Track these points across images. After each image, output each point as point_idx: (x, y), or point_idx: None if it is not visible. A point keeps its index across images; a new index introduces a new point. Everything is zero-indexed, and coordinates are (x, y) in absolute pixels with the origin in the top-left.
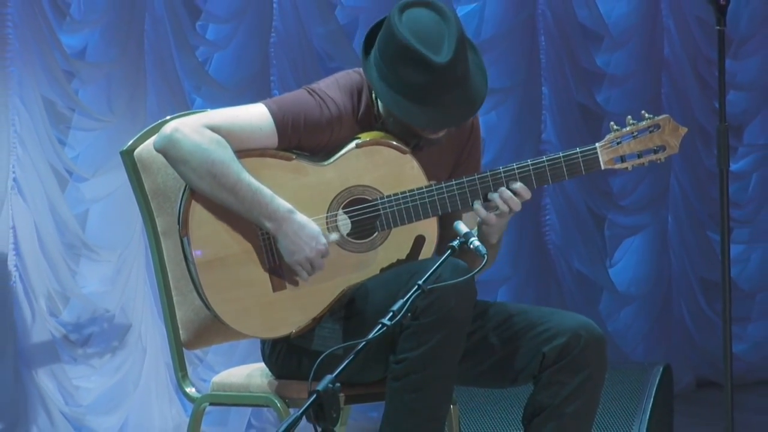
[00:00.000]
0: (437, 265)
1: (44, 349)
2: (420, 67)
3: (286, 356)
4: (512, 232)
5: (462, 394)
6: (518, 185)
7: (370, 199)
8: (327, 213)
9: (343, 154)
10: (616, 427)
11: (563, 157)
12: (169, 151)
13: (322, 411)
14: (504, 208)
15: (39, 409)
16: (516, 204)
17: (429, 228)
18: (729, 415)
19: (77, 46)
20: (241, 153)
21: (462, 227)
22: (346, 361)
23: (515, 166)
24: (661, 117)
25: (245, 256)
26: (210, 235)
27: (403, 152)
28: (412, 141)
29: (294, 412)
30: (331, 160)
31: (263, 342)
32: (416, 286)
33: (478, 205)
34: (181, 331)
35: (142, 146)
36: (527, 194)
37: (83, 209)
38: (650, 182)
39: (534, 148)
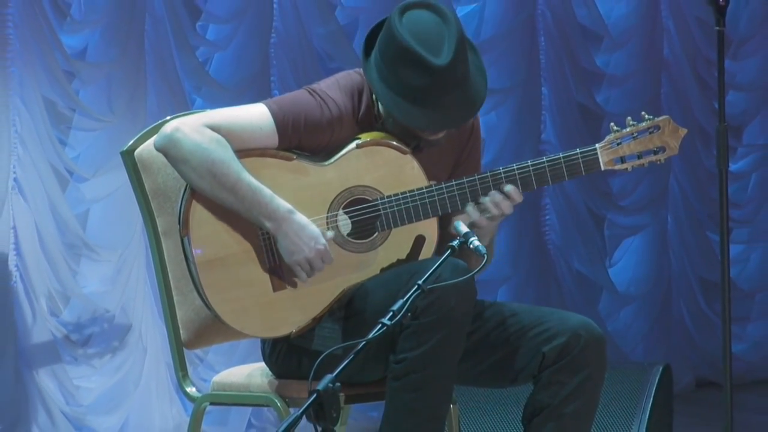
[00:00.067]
0: (437, 265)
1: (45, 349)
2: (420, 69)
3: (286, 356)
4: (512, 232)
5: (462, 393)
6: (509, 188)
7: (371, 199)
8: (327, 213)
9: (344, 155)
10: (616, 427)
11: (563, 158)
12: (169, 151)
13: (322, 410)
14: (495, 211)
15: (39, 408)
16: (507, 207)
17: (429, 228)
18: (728, 415)
19: (78, 46)
20: (242, 153)
21: (462, 227)
22: (346, 361)
23: (515, 167)
24: (661, 118)
25: (245, 255)
26: (210, 234)
27: (404, 153)
28: (412, 142)
29: (294, 412)
30: (332, 160)
31: (263, 342)
32: (416, 286)
33: (469, 207)
34: (181, 331)
35: (142, 146)
36: (518, 197)
37: (84, 209)
38: (650, 182)
39: (534, 149)
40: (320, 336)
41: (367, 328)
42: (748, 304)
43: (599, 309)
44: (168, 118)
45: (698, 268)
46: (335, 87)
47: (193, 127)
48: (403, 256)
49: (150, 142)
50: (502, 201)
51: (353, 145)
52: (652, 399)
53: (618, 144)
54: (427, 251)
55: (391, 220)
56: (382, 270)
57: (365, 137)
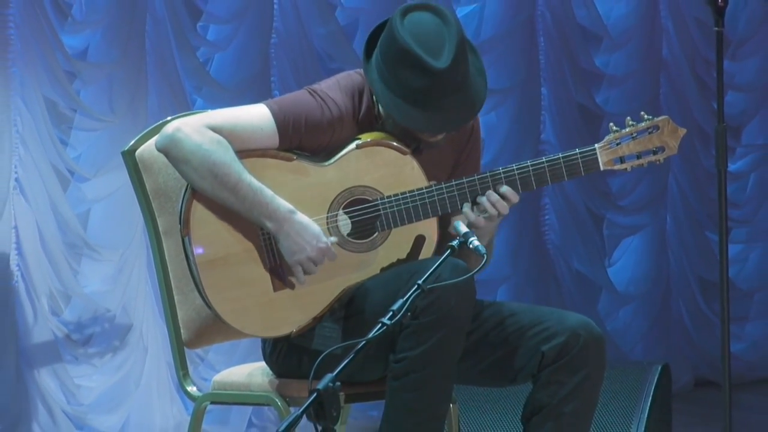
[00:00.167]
0: (437, 264)
1: (46, 349)
2: (420, 72)
3: (286, 355)
4: (512, 231)
5: (461, 393)
6: (506, 189)
7: (371, 199)
8: (327, 213)
9: (344, 155)
10: (615, 426)
11: (563, 158)
12: (170, 151)
13: (323, 410)
14: (492, 211)
15: (40, 407)
16: (504, 207)
17: (429, 228)
18: (727, 414)
19: (79, 46)
20: (242, 153)
21: (462, 227)
22: (346, 360)
23: (514, 167)
24: (660, 118)
25: (246, 255)
26: (211, 234)
27: (404, 153)
28: (412, 144)
29: (294, 411)
30: (332, 160)
31: (264, 341)
32: (416, 286)
33: (467, 208)
34: (182, 331)
35: (143, 146)
36: (515, 198)
37: (85, 209)
38: (649, 182)
39: (533, 149)
40: (320, 335)
41: (367, 328)
42: (747, 304)
43: (598, 308)
44: (169, 118)
45: (697, 267)
46: (336, 87)
47: (194, 128)
48: (403, 255)
49: (151, 143)
50: (499, 202)
51: (353, 145)
52: (651, 398)
53: (617, 144)
54: (427, 251)
55: (391, 220)
56: (382, 270)
57: (365, 138)
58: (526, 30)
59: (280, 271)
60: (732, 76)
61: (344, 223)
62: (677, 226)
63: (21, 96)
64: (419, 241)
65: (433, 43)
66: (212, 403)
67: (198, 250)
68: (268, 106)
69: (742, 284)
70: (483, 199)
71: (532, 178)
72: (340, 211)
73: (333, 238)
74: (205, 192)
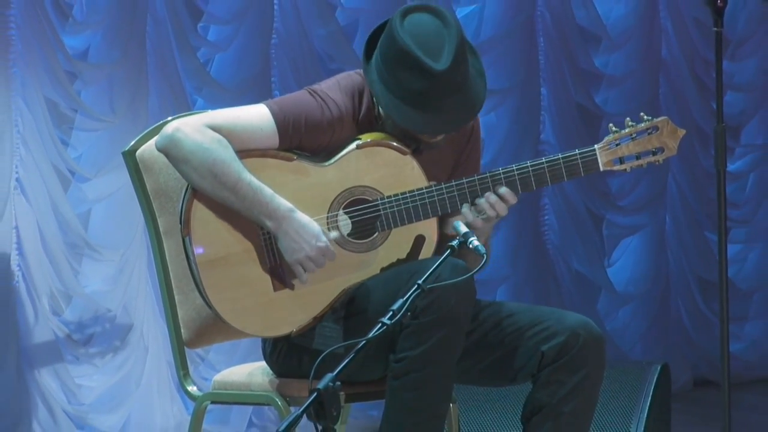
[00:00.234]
0: (437, 264)
1: (47, 348)
2: (419, 73)
3: (287, 355)
4: (511, 232)
5: (461, 392)
6: (504, 190)
7: (371, 199)
8: (327, 213)
9: (344, 155)
10: (614, 426)
11: (562, 158)
12: (170, 151)
13: (323, 409)
14: (491, 212)
15: (41, 407)
16: (502, 208)
17: (429, 228)
18: (726, 414)
19: (79, 47)
20: (243, 153)
21: (462, 227)
22: (347, 360)
23: (514, 168)
24: (659, 119)
25: (246, 255)
26: (211, 234)
27: (404, 153)
28: (411, 145)
29: (295, 411)
30: (332, 160)
31: (264, 341)
32: (416, 286)
33: (465, 208)
34: (182, 330)
35: (143, 146)
36: (513, 199)
37: (86, 209)
38: (648, 182)
39: (533, 149)
40: (321, 335)
41: (368, 328)
42: (746, 304)
43: (598, 308)
44: (169, 118)
45: (696, 267)
46: (336, 88)
47: (194, 128)
48: (403, 255)
49: (151, 143)
50: (497, 203)
51: (353, 145)
52: (650, 398)
53: (617, 145)
54: (426, 251)
55: (391, 220)
56: (383, 270)
57: (365, 138)
58: (525, 30)
59: (280, 270)
60: (731, 76)
61: (344, 223)
62: (676, 226)
63: (22, 96)
64: (419, 241)
65: (432, 44)
66: (213, 402)
67: (198, 250)
68: (268, 106)
69: (742, 284)
70: (481, 201)
71: (532, 179)
72: (341, 211)
73: (334, 233)
74: (205, 191)
